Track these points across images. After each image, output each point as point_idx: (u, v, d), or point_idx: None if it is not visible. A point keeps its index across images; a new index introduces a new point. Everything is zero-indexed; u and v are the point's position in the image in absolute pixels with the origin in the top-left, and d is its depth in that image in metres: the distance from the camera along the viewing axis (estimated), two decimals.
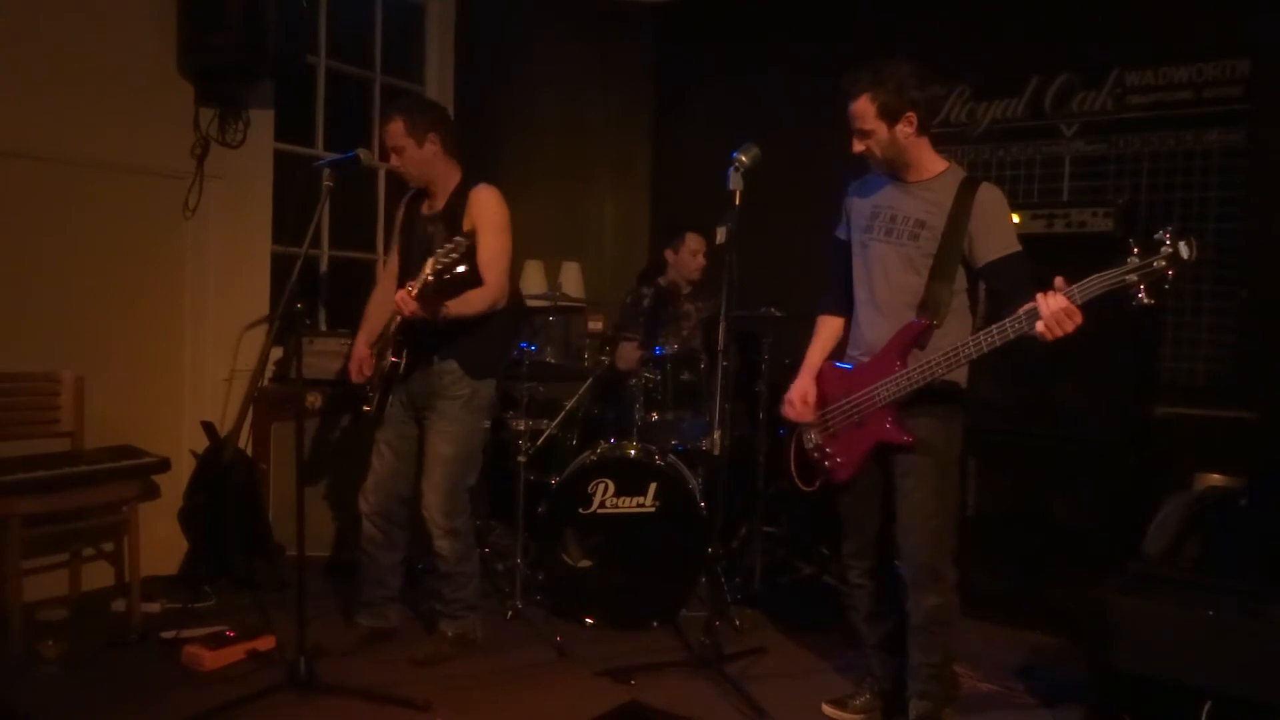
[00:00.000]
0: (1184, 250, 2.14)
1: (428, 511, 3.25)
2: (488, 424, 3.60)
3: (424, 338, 3.16)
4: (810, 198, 3.80)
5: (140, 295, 3.98)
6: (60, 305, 3.72)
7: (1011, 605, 3.71)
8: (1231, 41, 3.98)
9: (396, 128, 3.17)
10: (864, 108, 2.62)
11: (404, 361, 3.19)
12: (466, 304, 3.08)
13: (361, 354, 3.32)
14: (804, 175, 4.36)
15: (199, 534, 3.83)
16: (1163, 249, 2.15)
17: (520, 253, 5.37)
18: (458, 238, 2.92)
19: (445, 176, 3.28)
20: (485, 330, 3.22)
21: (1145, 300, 2.18)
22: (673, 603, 3.67)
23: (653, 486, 3.68)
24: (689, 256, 4.41)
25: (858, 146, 2.69)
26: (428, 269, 2.92)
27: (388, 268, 3.50)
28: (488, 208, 3.22)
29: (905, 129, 2.62)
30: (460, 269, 2.93)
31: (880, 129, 2.63)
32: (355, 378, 3.34)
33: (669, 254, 4.48)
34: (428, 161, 3.23)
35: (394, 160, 3.24)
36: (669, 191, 5.77)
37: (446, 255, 2.90)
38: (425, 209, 3.34)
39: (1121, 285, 2.20)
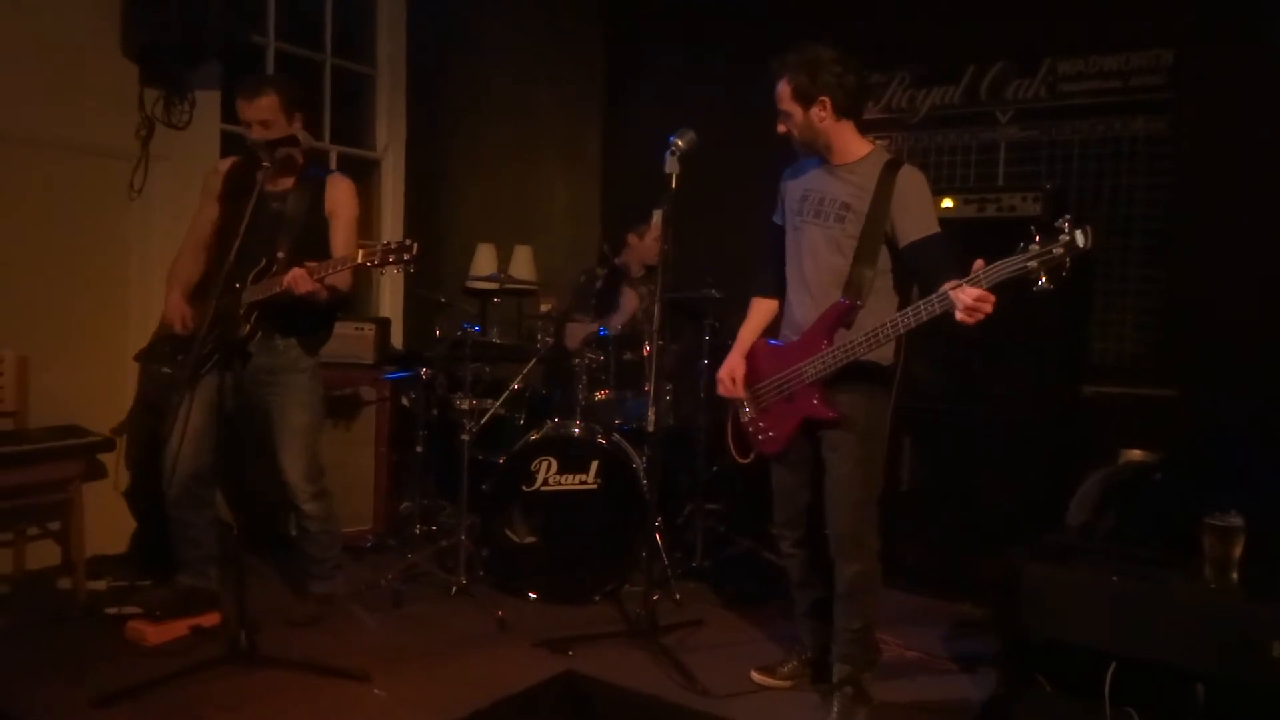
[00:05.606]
0: (1080, 239, 2.20)
1: (292, 479, 3.35)
2: None
3: (272, 313, 3.21)
4: (755, 180, 3.87)
5: (85, 275, 3.98)
6: (2, 285, 3.72)
7: (942, 578, 3.82)
8: (1156, 32, 4.11)
9: (270, 102, 3.23)
10: (783, 90, 2.73)
11: (255, 334, 3.23)
12: (336, 287, 3.19)
13: (183, 309, 3.30)
14: (749, 157, 4.40)
15: (144, 513, 3.85)
16: (1060, 237, 2.21)
17: (472, 235, 5.45)
18: (407, 242, 2.94)
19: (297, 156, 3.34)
20: (321, 312, 3.34)
21: (1046, 285, 2.24)
22: (615, 577, 3.75)
23: (595, 464, 3.75)
24: (652, 241, 4.48)
25: (780, 127, 2.79)
26: (360, 258, 2.96)
27: (199, 228, 3.42)
28: (348, 197, 3.37)
29: (820, 112, 2.70)
30: (403, 268, 2.97)
31: (796, 111, 2.72)
32: (181, 330, 3.30)
33: (633, 238, 4.54)
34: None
35: (257, 132, 3.23)
36: (618, 174, 5.83)
37: (394, 255, 2.92)
38: (270, 185, 3.28)
39: (1024, 271, 2.26)
